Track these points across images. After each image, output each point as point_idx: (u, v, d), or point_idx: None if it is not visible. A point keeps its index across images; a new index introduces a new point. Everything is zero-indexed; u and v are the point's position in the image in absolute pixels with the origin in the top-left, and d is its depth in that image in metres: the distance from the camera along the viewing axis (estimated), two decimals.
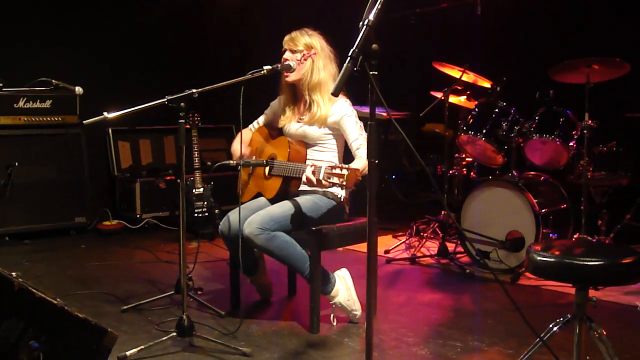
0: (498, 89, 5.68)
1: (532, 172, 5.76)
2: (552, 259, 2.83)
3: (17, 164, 6.30)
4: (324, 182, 3.61)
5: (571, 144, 5.30)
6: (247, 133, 4.60)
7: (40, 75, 5.34)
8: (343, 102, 4.20)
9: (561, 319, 3.02)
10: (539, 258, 2.86)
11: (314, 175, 3.67)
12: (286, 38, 4.32)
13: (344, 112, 4.17)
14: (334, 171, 3.56)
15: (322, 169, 3.61)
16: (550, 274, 2.93)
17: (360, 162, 3.94)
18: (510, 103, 5.56)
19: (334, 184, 3.59)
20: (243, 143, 4.39)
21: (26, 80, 5.51)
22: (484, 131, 5.50)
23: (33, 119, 6.55)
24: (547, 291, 4.92)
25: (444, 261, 5.70)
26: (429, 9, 6.24)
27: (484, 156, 5.82)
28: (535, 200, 5.22)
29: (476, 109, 5.66)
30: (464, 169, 6.24)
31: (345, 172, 3.53)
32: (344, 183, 3.53)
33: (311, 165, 3.74)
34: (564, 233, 5.44)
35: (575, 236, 5.34)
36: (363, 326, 4.05)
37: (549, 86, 5.39)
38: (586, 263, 2.76)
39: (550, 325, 3.04)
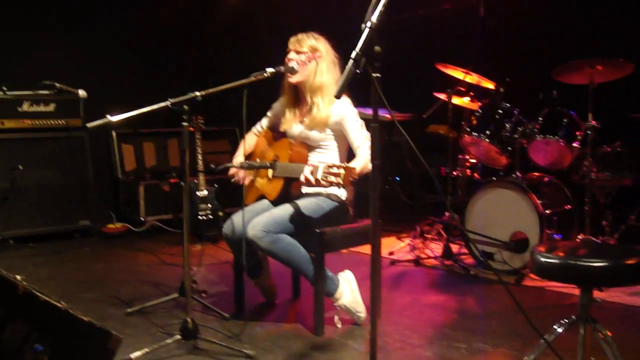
0: (501, 90, 5.68)
1: (536, 173, 5.75)
2: (556, 260, 2.83)
3: (21, 167, 6.30)
4: (322, 181, 3.62)
5: (575, 144, 5.29)
6: (252, 137, 4.61)
7: (44, 78, 5.36)
8: (343, 101, 4.19)
9: (565, 320, 3.02)
10: (543, 259, 2.86)
11: (312, 175, 3.68)
12: (292, 39, 4.32)
13: (344, 112, 4.18)
14: (331, 170, 3.57)
15: (319, 168, 3.63)
16: (555, 275, 2.92)
17: (360, 161, 3.96)
18: (513, 104, 5.56)
19: (331, 183, 3.60)
20: (249, 146, 4.42)
21: (30, 83, 5.52)
22: (488, 132, 5.50)
23: (37, 122, 6.56)
24: (551, 292, 4.91)
25: (448, 263, 5.69)
26: (432, 10, 6.24)
27: (488, 157, 5.81)
28: (539, 201, 5.21)
29: (480, 110, 5.66)
30: (468, 170, 6.23)
31: (342, 171, 3.54)
32: (341, 182, 3.54)
33: (309, 165, 3.75)
34: (568, 234, 5.43)
35: (579, 237, 5.34)
36: (367, 328, 4.04)
37: (553, 87, 5.38)
38: (590, 264, 2.75)
39: (555, 327, 3.03)
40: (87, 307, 4.49)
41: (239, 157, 4.48)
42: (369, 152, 3.99)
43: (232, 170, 4.44)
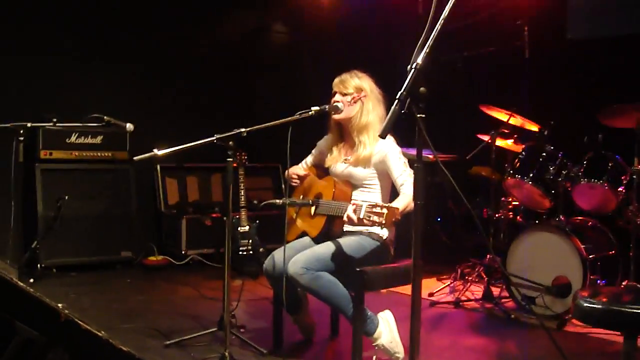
0: (545, 132, 5.64)
1: (579, 217, 5.68)
2: (599, 306, 2.79)
3: (66, 197, 6.40)
4: (365, 220, 3.63)
5: (620, 189, 5.22)
6: (299, 169, 4.63)
7: (92, 111, 5.47)
8: (386, 140, 4.21)
9: None
10: (586, 304, 2.82)
11: (355, 214, 3.70)
12: (336, 81, 4.36)
13: (387, 150, 4.19)
14: (374, 210, 3.58)
15: (363, 207, 3.65)
16: (598, 321, 2.88)
17: (403, 199, 3.95)
18: (557, 147, 5.52)
19: (374, 223, 3.60)
20: (297, 170, 4.48)
21: (79, 116, 5.64)
22: (531, 175, 5.46)
23: (84, 154, 6.69)
24: (594, 339, 4.82)
25: (489, 306, 5.62)
26: (477, 52, 6.25)
27: (531, 200, 5.76)
28: (582, 246, 5.14)
29: (523, 153, 5.63)
30: (510, 213, 6.17)
31: (385, 211, 3.55)
32: (383, 222, 3.55)
33: (353, 204, 3.77)
34: (613, 280, 5.34)
35: (624, 283, 5.25)
36: None
37: (598, 130, 5.34)
38: (635, 310, 2.71)
39: None
40: (126, 338, 4.53)
41: (298, 169, 4.53)
42: (412, 189, 3.99)
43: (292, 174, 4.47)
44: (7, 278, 2.53)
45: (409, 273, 2.72)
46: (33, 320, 2.58)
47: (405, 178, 4.09)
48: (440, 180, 7.25)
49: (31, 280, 5.99)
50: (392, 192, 4.29)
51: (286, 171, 4.49)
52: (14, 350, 2.51)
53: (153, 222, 7.54)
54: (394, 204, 3.75)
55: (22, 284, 2.60)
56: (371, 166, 4.25)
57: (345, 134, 4.41)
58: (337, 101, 4.29)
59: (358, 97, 4.27)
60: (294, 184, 4.53)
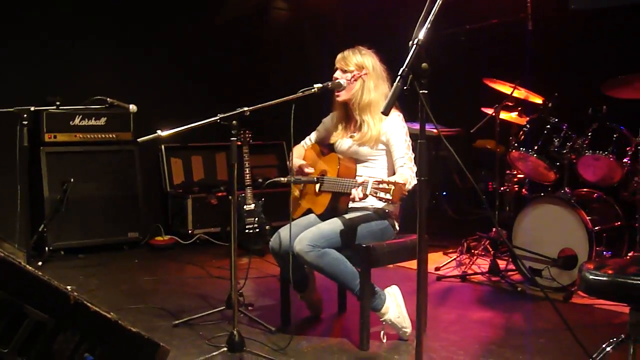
0: (550, 104, 5.62)
1: (585, 189, 5.68)
2: (605, 278, 2.79)
3: (72, 180, 6.42)
4: (372, 196, 3.64)
5: (625, 160, 5.21)
6: (300, 149, 4.64)
7: (95, 93, 5.47)
8: (394, 118, 4.19)
9: (615, 339, 2.98)
10: (591, 277, 2.82)
11: (362, 190, 3.70)
12: (338, 57, 4.33)
13: (392, 130, 4.18)
14: (380, 186, 3.59)
15: (369, 183, 3.64)
16: (604, 293, 2.88)
17: (401, 176, 3.94)
18: (562, 119, 5.50)
19: (381, 199, 3.61)
20: (298, 158, 4.45)
21: (82, 98, 5.64)
22: (536, 148, 5.45)
23: (88, 136, 6.70)
24: (600, 310, 4.84)
25: (495, 279, 5.64)
26: (479, 25, 6.21)
27: (536, 173, 5.76)
28: (588, 218, 5.14)
29: (527, 125, 5.61)
30: (516, 186, 6.17)
31: (391, 187, 3.55)
32: (390, 197, 3.55)
33: (359, 180, 3.77)
34: (618, 251, 5.34)
35: (629, 254, 5.25)
36: (413, 344, 4.02)
37: (602, 102, 5.32)
38: None
39: (604, 346, 2.99)
40: (135, 319, 4.56)
41: (300, 156, 4.55)
42: (411, 173, 3.99)
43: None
44: (16, 262, 2.54)
45: (414, 248, 2.73)
46: (43, 303, 2.60)
47: (405, 161, 4.09)
48: (444, 155, 7.25)
49: (39, 263, 6.04)
50: None
51: (290, 153, 4.48)
52: (25, 333, 2.54)
53: (159, 202, 7.56)
54: (393, 179, 3.74)
55: (30, 267, 2.61)
56: (378, 144, 4.25)
57: (349, 112, 4.40)
58: (337, 78, 4.27)
59: (359, 75, 4.24)
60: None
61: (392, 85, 2.57)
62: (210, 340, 4.17)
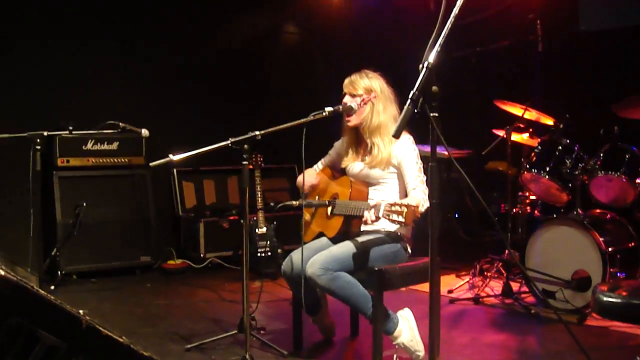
0: (561, 126, 5.61)
1: (597, 210, 5.65)
2: (619, 300, 2.78)
3: (85, 204, 6.44)
4: (383, 219, 3.64)
5: (638, 180, 5.19)
6: (312, 172, 4.63)
7: (107, 118, 5.52)
8: (404, 141, 4.19)
9: None
10: (605, 298, 2.81)
11: (374, 213, 3.70)
12: (346, 81, 4.35)
13: (403, 154, 4.18)
14: (393, 208, 3.58)
15: (381, 206, 3.65)
16: (618, 314, 2.87)
17: (414, 199, 3.94)
18: (573, 140, 5.49)
19: (394, 221, 3.61)
20: (310, 179, 4.45)
21: (94, 123, 5.69)
22: (548, 169, 5.44)
23: (101, 161, 6.73)
24: (615, 332, 4.79)
25: (509, 301, 5.61)
26: (490, 47, 6.23)
27: (548, 194, 5.74)
28: (601, 239, 5.12)
29: (539, 147, 5.61)
30: (528, 208, 6.15)
31: (404, 209, 3.55)
32: (403, 220, 3.55)
33: (371, 204, 3.77)
34: (633, 272, 5.31)
35: None
36: None
37: (614, 122, 5.31)
38: None
39: None
40: (148, 343, 4.56)
41: (300, 178, 4.52)
42: (423, 196, 3.99)
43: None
44: (29, 286, 2.55)
45: (427, 271, 2.72)
46: (55, 328, 2.60)
47: (417, 184, 4.09)
48: (456, 177, 7.24)
49: (52, 287, 6.05)
50: None
51: (301, 175, 4.48)
52: (37, 358, 2.54)
53: (171, 226, 7.56)
54: (406, 201, 3.74)
55: (43, 291, 2.62)
56: (389, 167, 4.25)
57: (359, 136, 4.41)
58: (347, 103, 4.28)
59: (368, 99, 4.25)
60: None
61: (400, 107, 2.58)
62: None
